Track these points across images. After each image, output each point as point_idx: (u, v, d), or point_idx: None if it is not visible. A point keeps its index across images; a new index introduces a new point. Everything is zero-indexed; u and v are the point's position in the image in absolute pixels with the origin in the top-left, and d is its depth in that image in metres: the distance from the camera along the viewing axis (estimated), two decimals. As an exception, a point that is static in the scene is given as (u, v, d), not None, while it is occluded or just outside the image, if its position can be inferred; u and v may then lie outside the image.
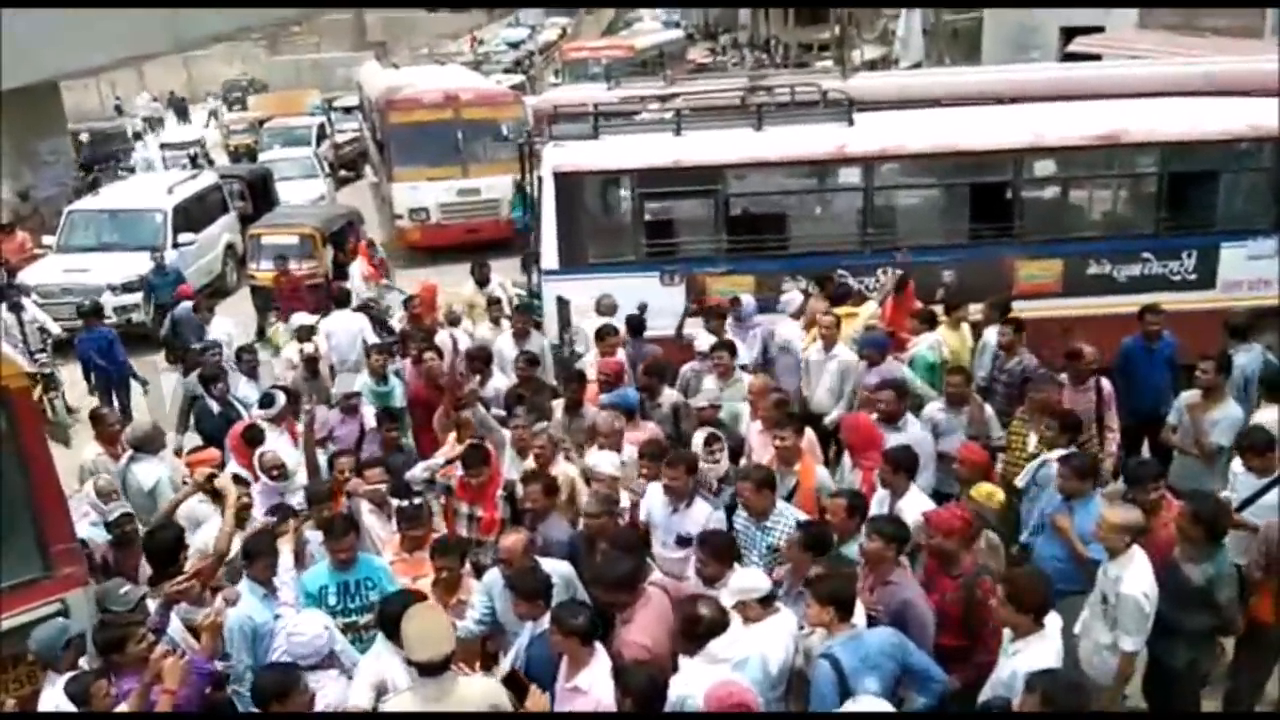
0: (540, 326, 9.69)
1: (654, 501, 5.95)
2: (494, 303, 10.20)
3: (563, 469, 6.38)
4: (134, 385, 10.97)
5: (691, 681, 4.21)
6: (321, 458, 7.05)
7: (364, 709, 4.49)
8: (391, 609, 4.62)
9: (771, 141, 9.97)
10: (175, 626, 5.09)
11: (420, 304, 10.32)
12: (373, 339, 10.44)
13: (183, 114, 37.82)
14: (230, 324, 11.16)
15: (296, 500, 6.47)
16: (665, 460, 5.89)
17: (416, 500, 6.06)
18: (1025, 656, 4.40)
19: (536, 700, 4.37)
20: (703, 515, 5.71)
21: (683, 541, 5.65)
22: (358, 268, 13.05)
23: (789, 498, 6.02)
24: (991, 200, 10.22)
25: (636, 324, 8.82)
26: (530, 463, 6.43)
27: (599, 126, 10.22)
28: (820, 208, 11.31)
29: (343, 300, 11.04)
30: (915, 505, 5.67)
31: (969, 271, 9.69)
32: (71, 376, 11.70)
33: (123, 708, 4.44)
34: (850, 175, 10.22)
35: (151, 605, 5.30)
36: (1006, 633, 4.64)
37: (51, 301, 13.00)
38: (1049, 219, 10.31)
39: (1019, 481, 6.36)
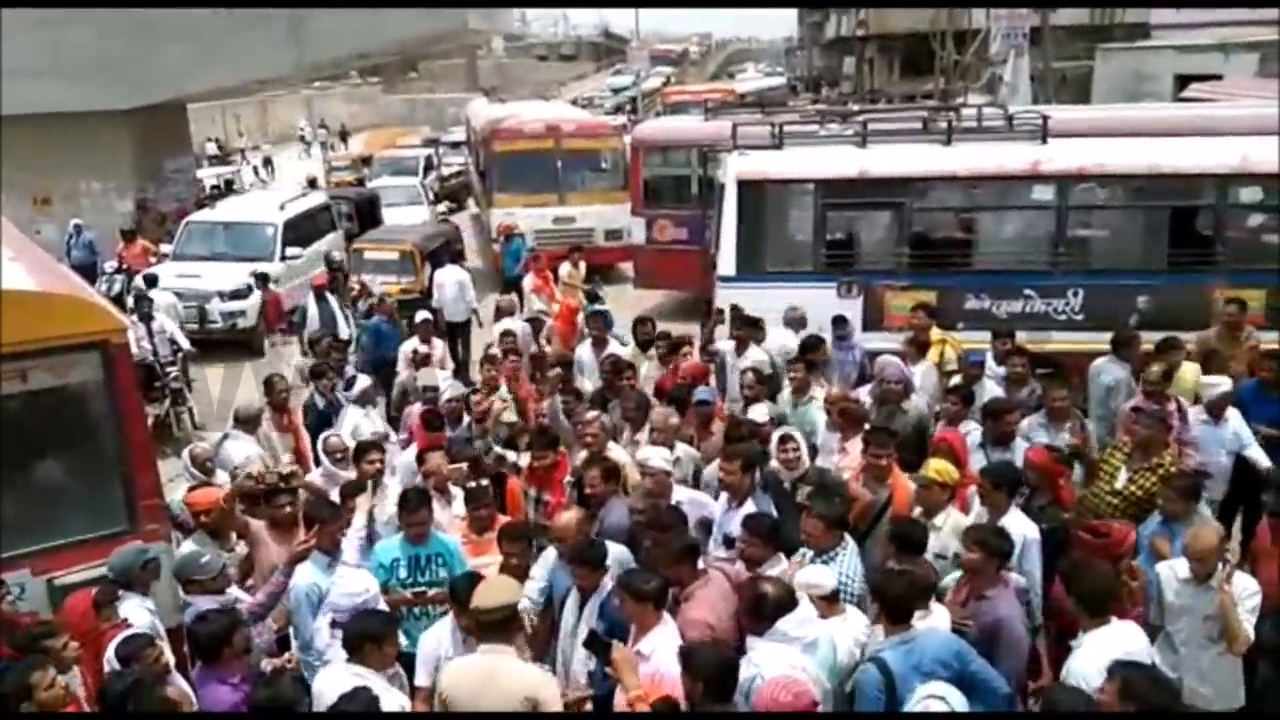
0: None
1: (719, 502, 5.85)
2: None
3: (615, 454, 6.37)
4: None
5: (762, 661, 4.05)
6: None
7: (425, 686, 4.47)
8: (461, 586, 4.60)
9: (962, 156, 9.88)
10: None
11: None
12: (471, 294, 12.33)
13: (344, 140, 41.18)
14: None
15: None
16: (722, 454, 5.79)
17: (483, 480, 6.05)
18: (1088, 649, 4.18)
19: (621, 654, 4.14)
20: None
21: (730, 542, 5.45)
22: (529, 281, 13.27)
23: (881, 512, 5.84)
24: (1191, 226, 9.95)
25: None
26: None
27: (783, 138, 10.20)
28: (1007, 226, 11.06)
29: (455, 258, 13.75)
30: (1017, 526, 5.37)
31: (1164, 298, 9.42)
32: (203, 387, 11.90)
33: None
34: (1044, 193, 10.05)
35: (232, 574, 5.41)
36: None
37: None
38: (1253, 247, 9.95)
39: None
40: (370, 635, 4.27)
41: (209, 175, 27.01)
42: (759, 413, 6.98)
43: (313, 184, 22.15)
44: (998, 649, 4.49)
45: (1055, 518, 5.77)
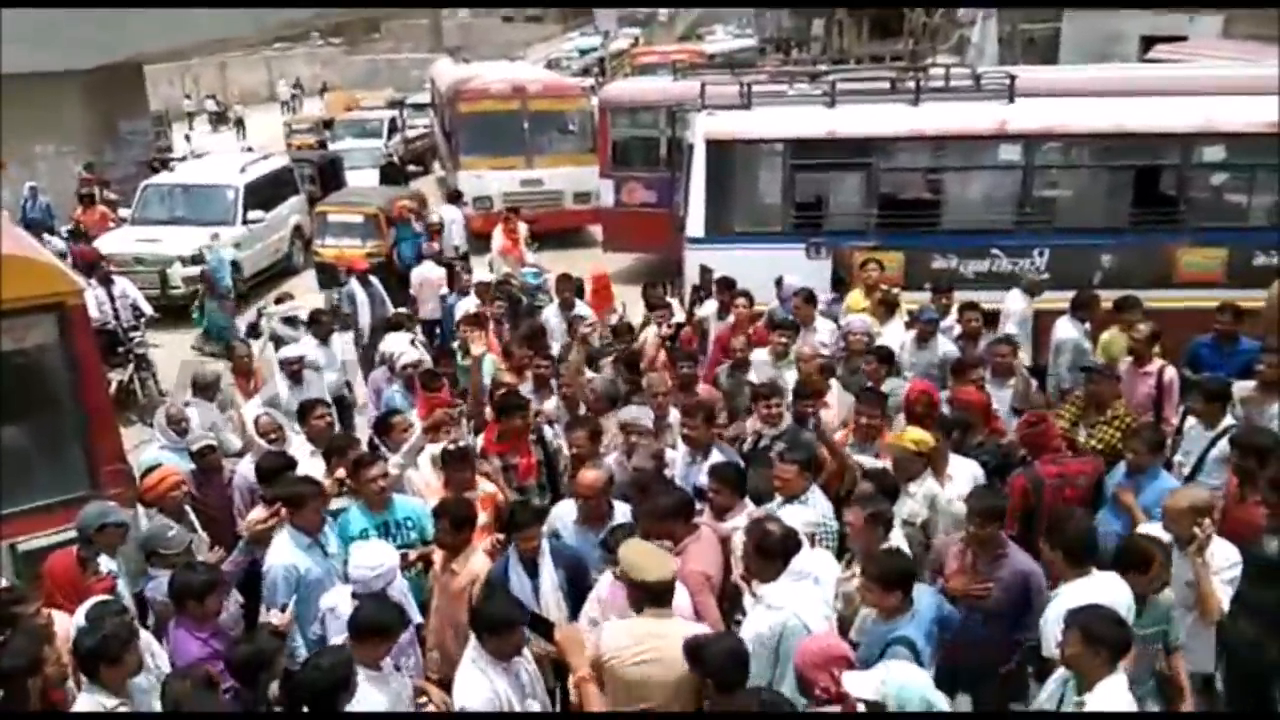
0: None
1: (678, 456, 5.95)
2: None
3: None
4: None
5: (786, 604, 4.08)
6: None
7: None
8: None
9: (929, 116, 9.87)
10: None
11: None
12: (462, 233, 13.44)
13: (323, 95, 40.99)
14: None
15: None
16: (682, 408, 5.88)
17: (462, 443, 6.01)
18: (1065, 598, 4.22)
19: (563, 634, 4.14)
20: None
21: (699, 494, 5.45)
22: (497, 240, 12.82)
23: None
24: (1155, 185, 10.05)
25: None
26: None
27: (751, 97, 10.11)
28: (974, 186, 11.05)
29: (454, 199, 14.84)
30: (964, 469, 5.56)
31: (1128, 257, 9.52)
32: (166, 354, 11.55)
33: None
34: (1010, 153, 10.07)
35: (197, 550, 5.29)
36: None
37: (124, 270, 13.28)
38: (1215, 207, 10.06)
39: None
40: (377, 629, 4.09)
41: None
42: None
43: (250, 150, 20.95)
44: (1030, 598, 4.60)
45: (995, 445, 5.98)
